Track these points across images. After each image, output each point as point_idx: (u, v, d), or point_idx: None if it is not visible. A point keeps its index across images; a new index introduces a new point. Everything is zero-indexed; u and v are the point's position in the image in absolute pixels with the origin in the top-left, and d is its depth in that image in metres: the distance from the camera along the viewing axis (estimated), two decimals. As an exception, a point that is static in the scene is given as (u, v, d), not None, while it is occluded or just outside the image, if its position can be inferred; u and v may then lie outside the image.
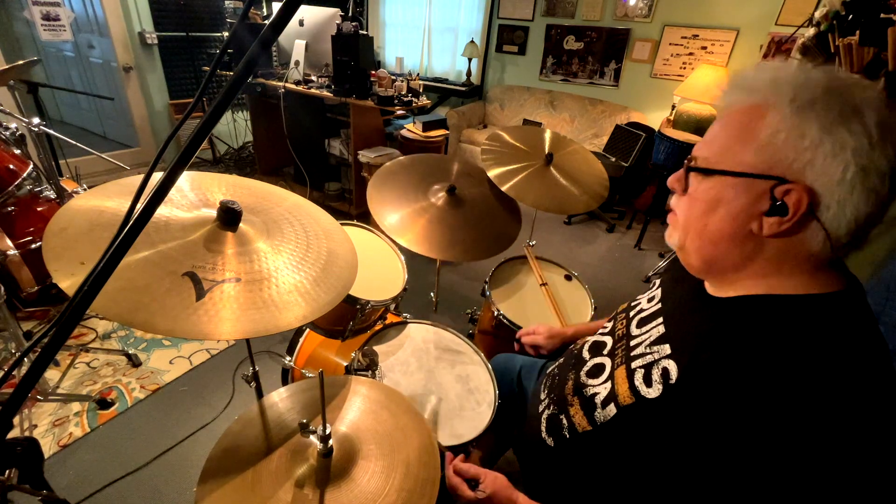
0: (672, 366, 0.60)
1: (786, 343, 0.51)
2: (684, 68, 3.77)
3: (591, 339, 0.83)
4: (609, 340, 0.78)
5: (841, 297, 0.54)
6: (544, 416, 0.81)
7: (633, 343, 0.70)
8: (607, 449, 0.67)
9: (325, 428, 0.66)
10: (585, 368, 0.77)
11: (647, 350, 0.65)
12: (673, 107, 3.68)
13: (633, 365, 0.66)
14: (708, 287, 0.65)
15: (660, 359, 0.62)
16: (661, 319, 0.69)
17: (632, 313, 0.78)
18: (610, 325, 0.82)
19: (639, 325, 0.73)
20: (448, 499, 0.79)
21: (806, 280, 0.55)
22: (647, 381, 0.62)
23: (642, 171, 3.64)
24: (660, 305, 0.73)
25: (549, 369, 0.92)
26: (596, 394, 0.70)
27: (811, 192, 0.50)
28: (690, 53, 3.74)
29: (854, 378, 0.47)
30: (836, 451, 0.46)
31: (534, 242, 1.67)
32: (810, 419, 0.47)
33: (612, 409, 0.66)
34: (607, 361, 0.74)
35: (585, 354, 0.80)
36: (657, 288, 0.79)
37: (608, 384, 0.69)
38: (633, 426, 0.63)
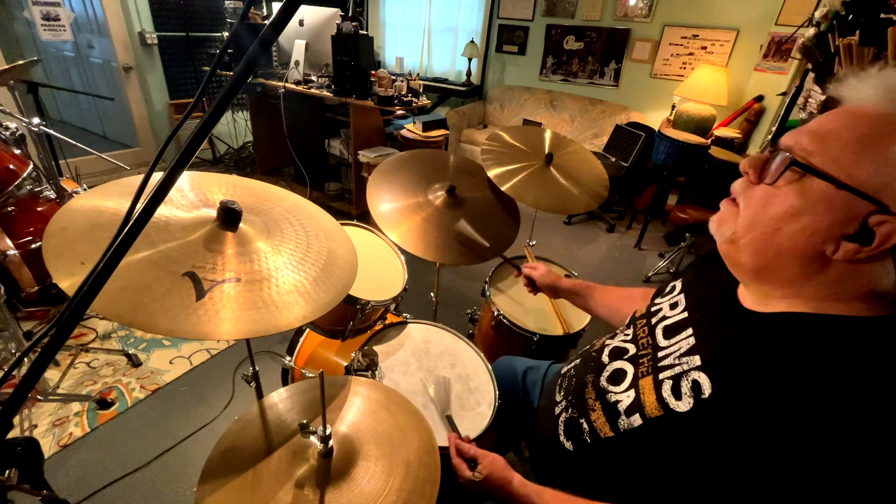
0: (703, 378, 0.57)
1: (838, 368, 0.47)
2: (684, 68, 3.78)
3: (610, 343, 0.81)
4: (631, 347, 0.75)
5: (894, 321, 0.49)
6: (561, 419, 0.79)
7: (660, 354, 0.67)
8: (630, 456, 0.65)
9: (325, 428, 0.66)
10: (606, 374, 0.74)
11: (676, 361, 0.62)
12: (673, 107, 3.69)
13: (661, 376, 0.63)
14: (744, 297, 0.62)
15: (689, 370, 0.59)
16: (690, 330, 0.65)
17: (653, 320, 0.74)
18: (630, 331, 0.79)
19: (665, 336, 0.69)
20: (448, 499, 0.79)
21: (854, 305, 0.51)
22: (676, 394, 0.59)
23: (642, 171, 3.64)
24: (686, 314, 0.69)
25: (564, 370, 0.89)
26: (618, 401, 0.67)
27: None
28: (690, 53, 3.74)
29: None
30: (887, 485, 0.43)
31: (534, 242, 1.67)
32: (865, 447, 0.44)
33: (637, 420, 0.63)
34: (629, 368, 0.71)
35: (605, 359, 0.77)
36: (678, 293, 0.75)
37: (632, 392, 0.66)
38: (659, 438, 0.60)
